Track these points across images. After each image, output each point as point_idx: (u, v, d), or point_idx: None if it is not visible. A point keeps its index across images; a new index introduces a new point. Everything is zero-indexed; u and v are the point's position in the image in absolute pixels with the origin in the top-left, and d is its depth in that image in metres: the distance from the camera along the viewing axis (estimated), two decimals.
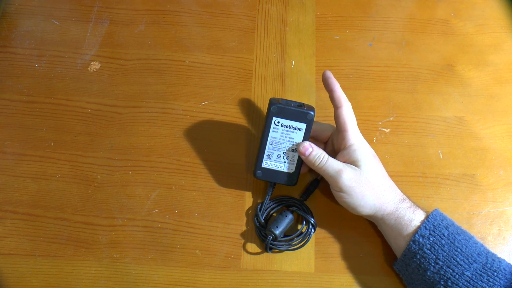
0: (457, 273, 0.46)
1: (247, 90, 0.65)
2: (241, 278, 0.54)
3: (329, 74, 0.54)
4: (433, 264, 0.47)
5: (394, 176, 0.59)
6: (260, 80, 0.66)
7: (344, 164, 0.52)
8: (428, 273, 0.48)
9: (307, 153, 0.52)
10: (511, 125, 0.63)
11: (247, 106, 0.64)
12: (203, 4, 0.72)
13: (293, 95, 0.65)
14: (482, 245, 0.49)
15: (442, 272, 0.47)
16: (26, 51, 0.67)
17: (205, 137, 0.62)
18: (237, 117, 0.63)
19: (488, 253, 0.48)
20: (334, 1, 0.72)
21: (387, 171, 0.59)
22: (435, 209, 0.51)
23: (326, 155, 0.52)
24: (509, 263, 0.48)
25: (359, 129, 0.62)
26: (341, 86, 0.65)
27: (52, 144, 0.61)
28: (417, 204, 0.52)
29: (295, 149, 0.54)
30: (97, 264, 0.55)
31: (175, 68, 0.66)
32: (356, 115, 0.63)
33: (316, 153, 0.52)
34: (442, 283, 0.47)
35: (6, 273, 0.54)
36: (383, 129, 0.63)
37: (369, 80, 0.66)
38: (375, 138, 0.62)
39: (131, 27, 0.70)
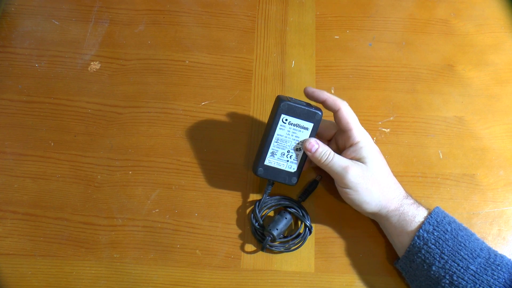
0: (462, 267, 0.47)
1: (247, 90, 0.65)
2: (241, 278, 0.54)
3: (310, 88, 0.54)
4: (438, 259, 0.48)
5: (394, 176, 0.59)
6: (260, 80, 0.66)
7: (350, 160, 0.52)
8: (433, 268, 0.48)
9: (313, 149, 0.52)
10: (511, 125, 0.63)
11: (247, 106, 0.64)
12: (203, 4, 0.72)
13: (293, 95, 0.64)
14: (483, 242, 0.50)
15: (447, 267, 0.47)
16: (26, 51, 0.67)
17: (205, 137, 0.62)
18: (237, 117, 0.63)
19: (490, 249, 0.49)
20: (334, 1, 0.72)
21: None
22: (437, 207, 0.51)
23: (332, 152, 0.52)
24: (510, 259, 0.48)
25: None
26: (341, 86, 0.65)
27: (52, 144, 0.61)
28: (419, 202, 0.53)
29: (299, 148, 0.53)
30: (97, 264, 0.55)
31: (175, 68, 0.66)
32: (356, 115, 0.64)
33: (322, 150, 0.52)
34: (448, 277, 0.47)
35: (6, 273, 0.54)
36: (383, 129, 0.63)
37: (369, 80, 0.66)
38: (375, 138, 0.62)
39: (131, 27, 0.70)
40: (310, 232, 0.55)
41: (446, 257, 0.48)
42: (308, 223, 0.55)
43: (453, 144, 0.62)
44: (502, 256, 0.48)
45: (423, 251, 0.49)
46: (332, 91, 0.65)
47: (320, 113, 0.52)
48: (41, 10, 0.71)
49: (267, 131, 0.53)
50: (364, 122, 0.62)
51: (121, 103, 0.64)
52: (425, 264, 0.49)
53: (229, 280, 0.54)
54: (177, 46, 0.68)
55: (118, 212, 0.57)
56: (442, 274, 0.47)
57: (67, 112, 0.63)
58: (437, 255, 0.48)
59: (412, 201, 0.52)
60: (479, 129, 0.63)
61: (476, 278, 0.46)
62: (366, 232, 0.56)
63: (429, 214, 0.50)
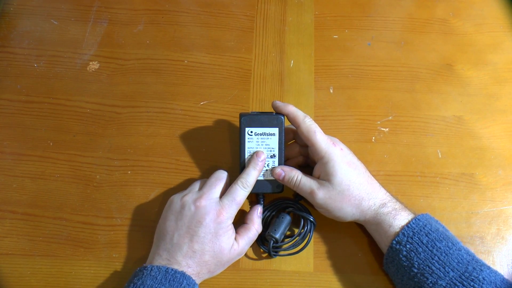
0: (431, 282, 0.46)
1: (246, 90, 0.65)
2: (240, 277, 0.54)
3: (277, 103, 0.54)
4: (408, 271, 0.47)
5: (393, 175, 0.59)
6: (259, 79, 0.66)
7: (315, 182, 0.52)
8: (405, 279, 0.48)
9: (280, 178, 0.53)
10: (510, 124, 0.63)
11: (246, 106, 0.64)
12: (202, 4, 0.72)
13: (292, 95, 0.65)
14: (466, 253, 0.47)
15: (416, 280, 0.47)
16: (25, 51, 0.68)
17: (204, 137, 0.62)
18: (236, 117, 0.63)
19: (470, 261, 0.46)
20: (333, 1, 0.72)
21: (386, 170, 0.60)
22: (422, 214, 0.50)
23: (299, 176, 0.52)
24: (493, 271, 0.46)
25: (358, 128, 0.62)
26: (339, 85, 0.65)
27: (51, 144, 0.61)
28: (405, 207, 0.51)
29: (273, 154, 0.54)
30: (96, 264, 0.55)
31: (174, 67, 0.66)
32: (354, 115, 0.64)
33: (288, 177, 0.53)
34: None
35: (5, 273, 0.54)
36: (382, 129, 0.63)
37: (368, 80, 0.66)
38: (374, 138, 0.62)
39: (130, 27, 0.70)
40: (315, 226, 0.55)
41: (416, 270, 0.47)
42: (311, 218, 0.55)
43: (452, 143, 0.62)
44: (481, 270, 0.45)
45: (395, 262, 0.49)
46: (331, 91, 0.65)
47: (281, 117, 0.53)
48: (40, 10, 0.71)
49: (239, 148, 0.54)
50: (363, 121, 0.63)
51: (120, 103, 0.64)
52: (398, 273, 0.49)
53: (228, 279, 0.54)
54: (176, 46, 0.68)
55: (117, 212, 0.57)
56: (412, 285, 0.47)
57: (66, 112, 0.63)
58: (407, 267, 0.47)
59: (389, 209, 0.50)
60: (478, 129, 0.63)
61: None
62: (364, 232, 0.56)
63: (408, 223, 0.49)
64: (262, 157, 0.53)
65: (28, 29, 0.69)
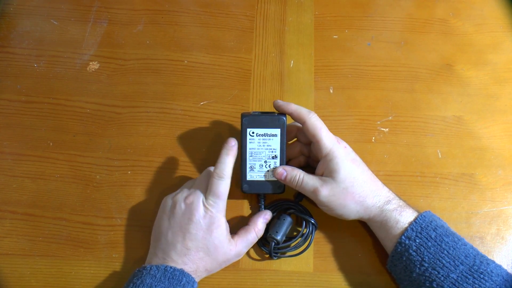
0: (442, 275, 0.46)
1: (246, 90, 0.65)
2: (240, 277, 0.54)
3: (278, 102, 0.53)
4: (418, 266, 0.47)
5: (393, 175, 0.59)
6: (259, 80, 0.66)
7: (319, 180, 0.52)
8: (414, 275, 0.48)
9: (282, 177, 0.53)
10: (510, 125, 0.63)
11: (246, 106, 0.64)
12: (201, 4, 0.72)
13: (292, 95, 0.65)
14: (471, 247, 0.49)
15: (427, 274, 0.47)
16: (25, 51, 0.68)
17: (203, 137, 0.62)
18: (236, 117, 0.63)
19: (477, 255, 0.47)
20: (332, 1, 0.72)
21: (385, 170, 0.60)
22: (426, 211, 0.51)
23: (301, 175, 0.52)
24: (498, 265, 0.47)
25: (358, 128, 0.63)
26: (339, 85, 0.65)
27: (51, 144, 0.61)
28: (408, 204, 0.52)
29: (275, 155, 0.54)
30: (96, 264, 0.55)
31: (174, 68, 0.66)
32: (354, 115, 0.64)
33: (290, 176, 0.53)
34: (428, 284, 0.47)
35: (5, 273, 0.54)
36: (382, 129, 0.63)
37: (368, 80, 0.66)
38: (373, 138, 0.62)
39: (130, 27, 0.70)
40: (316, 228, 0.55)
41: (426, 264, 0.47)
42: (312, 220, 0.55)
43: (452, 143, 0.62)
44: (488, 264, 0.47)
45: (404, 258, 0.49)
46: (331, 91, 0.65)
47: (283, 117, 0.53)
48: (40, 10, 0.71)
49: (241, 148, 0.54)
50: (362, 121, 0.63)
51: (120, 103, 0.64)
52: (406, 270, 0.49)
53: (228, 279, 0.54)
54: (175, 46, 0.68)
55: (117, 212, 0.57)
56: (422, 281, 0.47)
57: (66, 112, 0.63)
58: (417, 262, 0.47)
59: (394, 206, 0.51)
60: (478, 129, 0.63)
61: (456, 286, 0.45)
62: (364, 232, 0.56)
63: (415, 219, 0.49)
64: (233, 142, 0.52)
65: (28, 29, 0.69)
